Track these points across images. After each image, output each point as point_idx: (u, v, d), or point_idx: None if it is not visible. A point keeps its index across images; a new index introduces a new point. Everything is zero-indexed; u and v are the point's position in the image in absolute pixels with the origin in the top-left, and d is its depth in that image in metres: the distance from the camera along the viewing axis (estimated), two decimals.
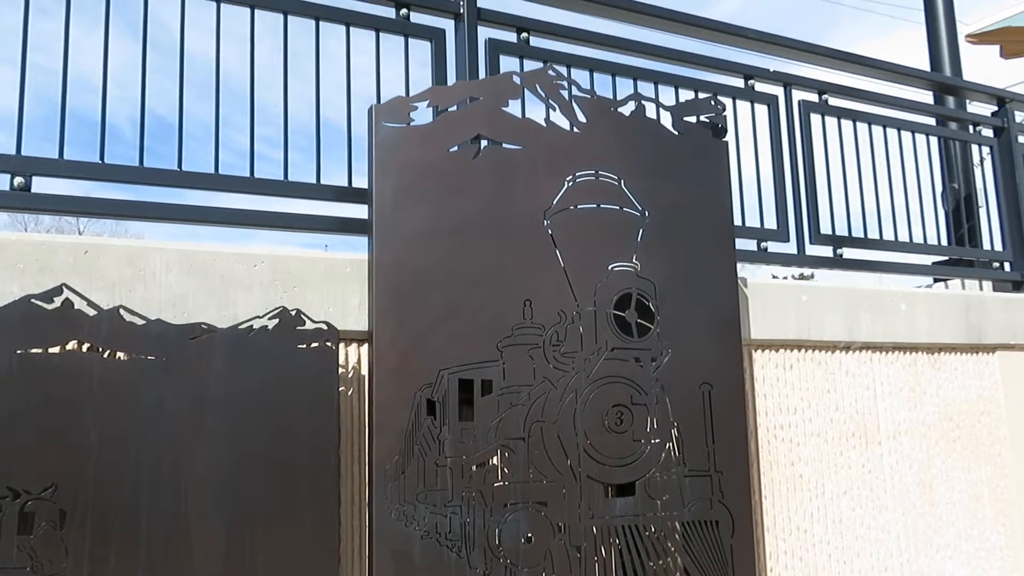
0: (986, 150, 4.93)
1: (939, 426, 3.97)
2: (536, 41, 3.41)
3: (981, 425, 4.11)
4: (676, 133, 3.16)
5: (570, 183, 2.90)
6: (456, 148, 2.82)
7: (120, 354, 2.31)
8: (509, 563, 2.62)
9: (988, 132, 4.90)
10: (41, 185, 2.56)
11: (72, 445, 2.20)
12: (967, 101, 5.28)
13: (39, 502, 2.15)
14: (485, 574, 2.60)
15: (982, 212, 4.91)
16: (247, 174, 2.78)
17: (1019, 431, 4.20)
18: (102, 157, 2.61)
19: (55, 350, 2.24)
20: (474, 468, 2.65)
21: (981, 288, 4.87)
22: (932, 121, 4.93)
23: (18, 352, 2.18)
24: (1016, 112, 4.84)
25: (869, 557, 3.65)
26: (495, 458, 2.68)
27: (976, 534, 3.99)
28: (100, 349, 2.29)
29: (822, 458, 3.60)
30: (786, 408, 3.54)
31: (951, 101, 5.57)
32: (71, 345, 2.27)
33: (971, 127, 4.97)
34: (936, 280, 4.99)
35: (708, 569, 2.82)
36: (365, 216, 2.77)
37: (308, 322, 2.55)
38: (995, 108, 4.92)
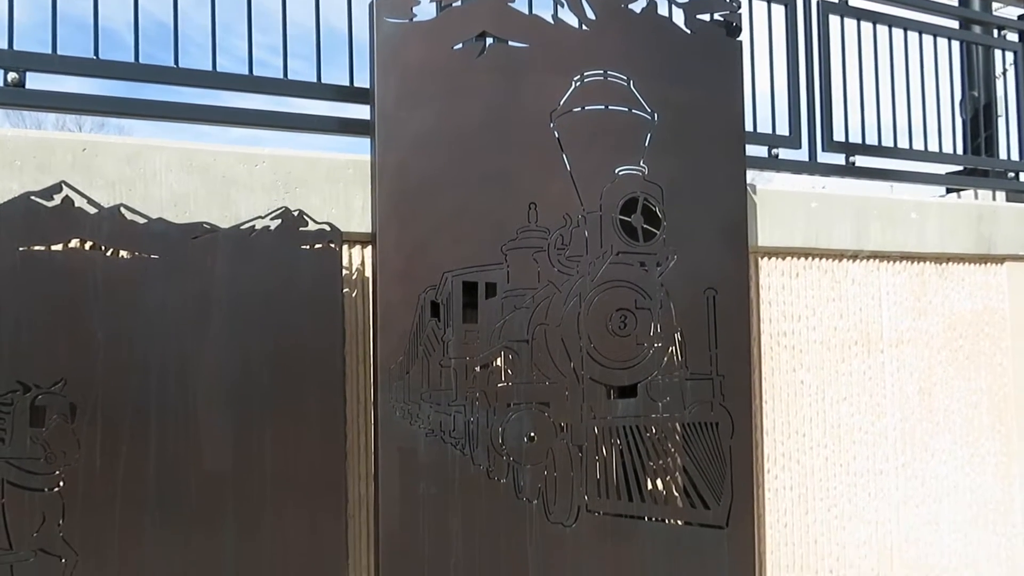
0: (1009, 59, 4.77)
1: (942, 336, 3.99)
2: None
3: (984, 335, 4.12)
4: (688, 32, 3.05)
5: (578, 83, 2.82)
6: (460, 46, 2.73)
7: (123, 253, 2.31)
8: (512, 460, 2.68)
9: (1013, 37, 4.72)
10: (36, 82, 2.50)
11: (79, 341, 2.22)
12: (992, 3, 5.07)
13: (49, 396, 2.18)
14: (488, 471, 2.66)
15: (1000, 122, 4.79)
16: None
17: (1022, 341, 4.21)
18: (96, 53, 2.54)
19: (57, 248, 2.23)
20: (478, 369, 2.68)
21: (994, 198, 4.80)
22: (955, 24, 4.74)
23: (20, 249, 2.18)
24: None
25: (865, 460, 3.73)
26: (499, 360, 2.71)
27: (971, 440, 4.05)
28: (102, 248, 2.29)
29: (824, 365, 3.63)
30: (790, 315, 3.55)
31: (976, 2, 5.34)
32: (73, 243, 2.26)
33: (995, 31, 4.79)
34: (949, 190, 4.91)
35: (707, 469, 2.89)
36: (367, 117, 2.71)
37: (311, 223, 2.54)
38: (1022, 12, 4.73)
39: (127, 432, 2.26)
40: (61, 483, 2.19)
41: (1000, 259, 4.18)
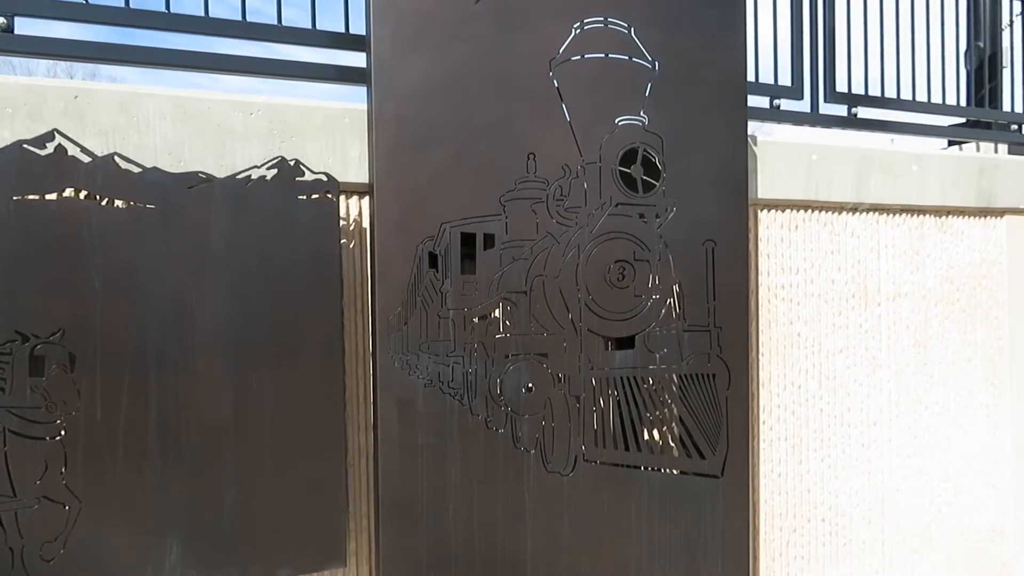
0: (1016, 8, 4.68)
1: (939, 289, 3.99)
2: None
3: (982, 289, 4.13)
4: None
5: (577, 30, 2.77)
6: None
7: (118, 202, 2.29)
8: (510, 411, 2.70)
9: None
10: (25, 27, 2.45)
11: (76, 291, 2.22)
12: None
13: (48, 346, 2.19)
14: (487, 420, 2.69)
15: (1005, 73, 4.72)
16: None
17: (1019, 295, 4.22)
18: None
19: (51, 197, 2.21)
20: (476, 320, 2.68)
21: (996, 151, 4.76)
22: None
23: (14, 199, 2.16)
24: None
25: (860, 412, 3.76)
26: (497, 311, 2.71)
27: (965, 393, 4.09)
28: (97, 197, 2.26)
29: (821, 318, 3.64)
30: (789, 268, 3.54)
31: None
32: (67, 192, 2.24)
33: None
34: (951, 143, 4.87)
35: (703, 420, 2.91)
36: (363, 64, 2.66)
37: (307, 173, 2.51)
38: None
39: (127, 382, 2.28)
40: (63, 432, 2.21)
41: (1000, 212, 4.17)
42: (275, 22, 2.72)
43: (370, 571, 2.73)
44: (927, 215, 3.95)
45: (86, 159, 2.24)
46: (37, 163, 2.18)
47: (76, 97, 2.34)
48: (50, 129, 2.21)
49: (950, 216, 4.03)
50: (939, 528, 4.02)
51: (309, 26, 2.77)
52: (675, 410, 2.88)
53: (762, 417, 3.48)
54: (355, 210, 2.71)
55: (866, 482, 3.79)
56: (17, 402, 2.17)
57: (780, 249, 3.52)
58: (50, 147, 2.21)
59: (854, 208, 3.72)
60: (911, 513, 3.93)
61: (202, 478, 2.37)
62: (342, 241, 2.59)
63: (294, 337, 2.48)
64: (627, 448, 2.82)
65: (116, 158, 2.28)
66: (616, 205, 2.79)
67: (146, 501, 2.31)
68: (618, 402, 2.81)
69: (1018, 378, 4.24)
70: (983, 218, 4.14)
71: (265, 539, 2.46)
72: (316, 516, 2.52)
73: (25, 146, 2.17)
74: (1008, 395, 4.22)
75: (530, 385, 2.72)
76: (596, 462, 2.79)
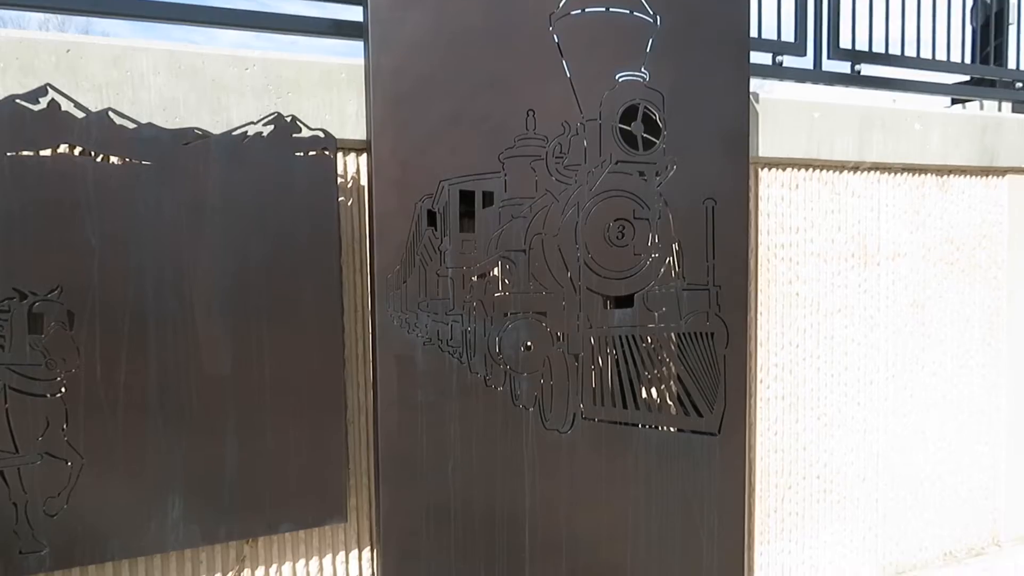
0: None
1: (939, 249, 3.99)
2: None
3: (981, 248, 4.13)
4: None
5: None
6: None
7: (113, 159, 2.26)
8: (509, 369, 2.71)
9: None
10: None
11: (73, 249, 2.20)
12: None
13: (46, 303, 2.18)
14: (486, 378, 2.70)
15: (1011, 30, 4.65)
16: None
17: (1019, 254, 4.22)
18: None
19: (46, 153, 2.18)
20: (475, 279, 2.68)
21: (1000, 110, 4.71)
22: None
23: (8, 154, 2.14)
24: None
25: (856, 371, 3.78)
26: (496, 269, 2.70)
27: (961, 352, 4.11)
28: (92, 153, 2.24)
29: (820, 277, 3.64)
30: (788, 227, 3.53)
31: None
32: (62, 148, 2.21)
33: None
34: (955, 101, 4.82)
35: (701, 378, 2.93)
36: (360, 19, 2.61)
37: (304, 129, 2.49)
38: None
39: (126, 339, 2.28)
40: (63, 389, 2.21)
41: (1002, 171, 4.14)
42: None
43: (370, 527, 2.77)
44: (928, 174, 3.92)
45: (80, 115, 2.21)
46: (30, 118, 2.15)
47: (69, 51, 2.30)
48: (43, 84, 2.18)
49: (951, 175, 4.00)
50: (932, 486, 4.07)
51: None
52: (673, 368, 2.89)
53: (759, 376, 3.50)
54: (353, 167, 2.68)
55: (861, 440, 3.83)
56: (17, 360, 2.17)
57: (780, 208, 3.51)
58: (43, 102, 2.17)
59: (855, 167, 3.69)
60: (905, 471, 3.97)
61: (203, 435, 2.39)
62: (340, 199, 2.57)
63: (293, 295, 2.47)
64: (625, 406, 2.84)
65: (110, 114, 2.25)
66: (616, 163, 2.77)
67: (148, 457, 2.32)
68: (616, 361, 2.82)
69: (1015, 338, 4.26)
70: (985, 177, 4.11)
71: (266, 495, 2.48)
72: (317, 472, 2.54)
73: (18, 101, 2.14)
74: (1005, 355, 4.24)
75: (529, 343, 2.73)
76: (594, 420, 2.81)
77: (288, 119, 2.47)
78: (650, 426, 2.89)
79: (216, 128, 2.40)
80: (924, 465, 4.03)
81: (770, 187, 3.47)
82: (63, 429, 2.22)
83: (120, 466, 2.29)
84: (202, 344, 2.38)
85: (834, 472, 3.76)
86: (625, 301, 2.83)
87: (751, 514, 3.52)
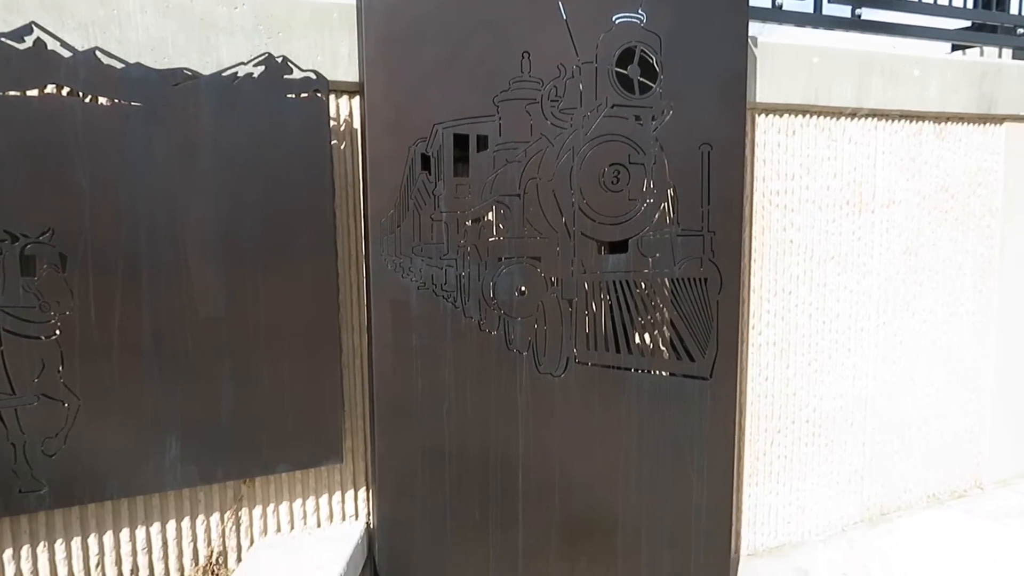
0: None
1: (934, 196, 3.98)
2: None
3: (976, 196, 4.12)
4: None
5: None
6: None
7: (102, 99, 2.23)
8: (503, 313, 2.73)
9: None
10: None
11: (64, 191, 2.19)
12: None
13: (38, 245, 2.17)
14: (480, 323, 2.71)
15: None
16: None
17: (1013, 203, 4.22)
18: None
19: (33, 93, 2.15)
20: (469, 223, 2.67)
21: (1000, 56, 4.66)
22: None
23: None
24: None
25: (848, 318, 3.81)
26: (490, 214, 2.69)
27: (952, 300, 4.14)
28: (80, 94, 2.20)
29: (814, 224, 3.63)
30: (784, 174, 3.52)
31: None
32: (49, 89, 2.18)
33: None
34: (955, 47, 4.76)
35: (694, 323, 2.94)
36: None
37: (296, 70, 2.45)
38: None
39: (119, 281, 2.27)
40: (57, 331, 2.22)
41: (1000, 119, 4.12)
42: None
43: (366, 468, 2.81)
44: (926, 121, 3.89)
45: (67, 54, 2.17)
46: (16, 57, 2.11)
47: None
48: (27, 22, 2.13)
49: (949, 122, 3.98)
50: (918, 430, 4.14)
51: None
52: (666, 314, 2.91)
53: (752, 322, 3.53)
54: (345, 110, 2.65)
55: (850, 386, 3.88)
56: (11, 302, 2.17)
57: (776, 154, 3.49)
58: (28, 41, 2.13)
59: (853, 113, 3.66)
60: (892, 416, 4.04)
61: (199, 377, 2.40)
62: (333, 141, 2.54)
63: (286, 238, 2.47)
64: (618, 351, 2.86)
65: (98, 53, 2.21)
66: (612, 107, 2.74)
67: (144, 399, 2.34)
68: (610, 306, 2.84)
69: (1006, 286, 4.29)
70: (982, 125, 4.08)
71: (263, 436, 2.51)
72: (312, 414, 2.57)
73: (2, 40, 2.10)
74: (995, 303, 4.27)
75: (523, 288, 2.74)
76: (588, 364, 2.84)
77: (279, 60, 2.43)
78: (643, 370, 2.92)
79: (205, 69, 2.36)
80: (911, 410, 4.09)
81: (767, 133, 3.45)
82: (59, 371, 2.23)
83: (117, 407, 2.31)
84: (196, 287, 2.38)
85: (823, 416, 3.82)
86: (619, 246, 2.83)
87: (740, 456, 3.58)
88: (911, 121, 3.85)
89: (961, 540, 3.79)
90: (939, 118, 3.93)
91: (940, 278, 4.07)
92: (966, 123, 4.03)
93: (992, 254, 4.22)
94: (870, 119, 3.73)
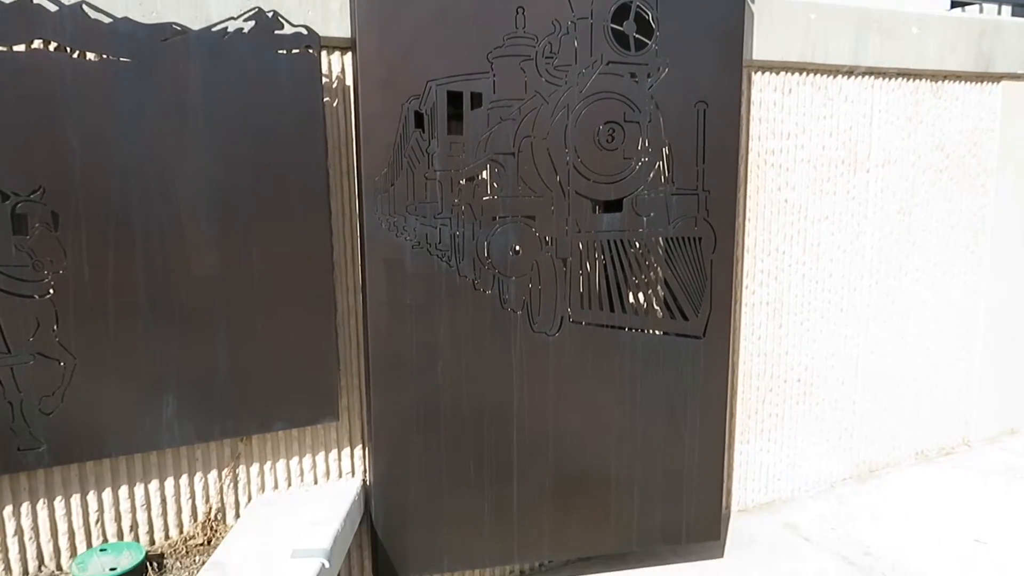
0: None
1: (929, 156, 3.97)
2: None
3: (971, 156, 4.12)
4: None
5: None
6: None
7: (90, 55, 2.19)
8: (497, 272, 2.73)
9: None
10: None
11: (54, 148, 2.16)
12: None
13: (29, 204, 2.16)
14: (474, 282, 2.72)
15: None
16: None
17: (1008, 162, 4.22)
18: None
19: (20, 49, 2.11)
20: (463, 182, 2.66)
21: (1000, 13, 4.62)
22: None
23: None
24: None
25: (841, 278, 3.83)
26: (484, 172, 2.68)
27: (945, 260, 4.16)
28: (68, 49, 2.17)
29: (809, 184, 3.63)
30: (780, 133, 3.50)
31: None
32: (36, 44, 2.14)
33: None
34: (954, 5, 4.71)
35: (688, 283, 2.95)
36: None
37: (287, 26, 2.41)
38: None
39: (112, 240, 2.26)
40: (51, 290, 2.21)
41: (997, 78, 4.09)
42: None
43: (362, 426, 2.84)
44: (923, 79, 3.87)
45: (53, 7, 2.13)
46: (1, 11, 2.07)
47: None
48: None
49: (946, 81, 3.95)
50: (908, 388, 4.19)
51: None
52: (660, 273, 2.91)
53: (745, 281, 3.54)
54: (338, 66, 2.62)
55: (842, 345, 3.91)
56: (3, 260, 2.16)
57: (772, 113, 3.47)
58: None
59: (850, 71, 3.63)
60: (883, 374, 4.08)
61: (194, 335, 2.41)
62: (325, 99, 2.52)
63: (279, 197, 2.46)
64: (612, 310, 2.87)
65: (84, 7, 2.17)
66: (607, 64, 2.71)
67: (140, 357, 2.35)
68: (604, 265, 2.84)
69: (998, 246, 4.30)
70: (979, 83, 4.06)
71: (259, 394, 2.53)
72: (308, 373, 2.59)
73: None
74: (987, 263, 4.29)
75: (517, 247, 2.74)
76: (582, 323, 2.85)
77: (270, 15, 2.39)
78: (637, 329, 2.93)
79: (195, 24, 2.32)
80: (901, 368, 4.14)
81: (762, 91, 3.42)
82: (54, 330, 2.23)
83: (113, 366, 2.32)
84: (190, 245, 2.37)
85: (814, 375, 3.86)
86: (614, 205, 2.82)
87: (732, 414, 3.62)
88: (908, 79, 3.83)
89: (948, 495, 3.86)
90: (936, 76, 3.90)
91: (933, 237, 4.09)
92: (963, 81, 4.01)
93: (985, 214, 4.23)
94: (867, 77, 3.70)
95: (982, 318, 4.35)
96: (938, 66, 3.84)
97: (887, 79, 3.76)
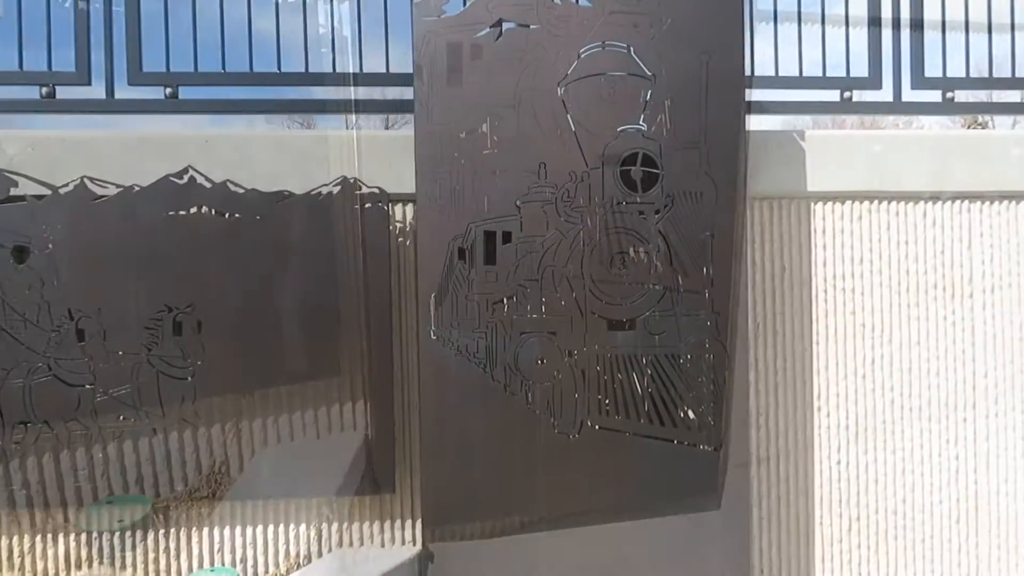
0: None
1: None
2: None
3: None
4: None
5: (584, 53, 3.20)
6: (482, 32, 3.25)
7: (226, 214, 3.23)
8: (524, 379, 3.23)
9: None
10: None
11: (202, 277, 3.19)
12: None
13: (184, 315, 3.19)
14: (505, 386, 3.24)
15: None
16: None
17: None
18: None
19: (184, 212, 3.21)
20: (496, 303, 3.25)
21: None
22: None
23: (168, 213, 3.19)
24: None
25: (942, 406, 3.65)
26: (514, 295, 3.25)
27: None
28: (215, 211, 3.22)
29: (889, 309, 3.62)
30: (848, 259, 3.59)
31: None
32: (194, 209, 3.23)
33: None
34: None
35: (700, 395, 3.18)
36: (411, 96, 3.35)
37: (364, 187, 3.28)
38: None
39: (231, 340, 3.21)
40: (192, 376, 3.20)
41: None
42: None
43: (412, 498, 3.43)
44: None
45: (208, 184, 3.20)
46: (177, 188, 3.19)
47: (207, 142, 3.32)
48: (185, 166, 3.21)
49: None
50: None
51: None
52: (674, 387, 3.19)
53: (817, 403, 3.58)
54: (404, 215, 3.41)
55: (952, 478, 3.67)
56: (167, 352, 3.19)
57: (840, 239, 3.59)
58: (185, 178, 3.20)
59: (934, 197, 3.62)
60: (1015, 516, 3.70)
61: (279, 411, 3.26)
62: (397, 239, 3.31)
63: (354, 311, 3.27)
64: (627, 417, 3.20)
65: (228, 183, 3.22)
66: (616, 203, 3.18)
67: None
68: (619, 377, 3.20)
69: None
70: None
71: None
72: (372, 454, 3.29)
73: (170, 178, 3.19)
74: None
75: (542, 358, 3.23)
76: (599, 427, 3.22)
77: (352, 180, 3.28)
78: (652, 437, 3.21)
79: (300, 189, 3.28)
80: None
81: (825, 219, 3.57)
82: (193, 403, 3.20)
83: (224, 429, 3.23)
84: (287, 348, 3.25)
85: (914, 509, 3.65)
86: (627, 324, 3.21)
87: (810, 541, 3.58)
88: (1014, 201, 3.67)
89: None
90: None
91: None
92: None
93: None
94: (958, 202, 3.64)
95: None
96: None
97: (986, 202, 3.66)
